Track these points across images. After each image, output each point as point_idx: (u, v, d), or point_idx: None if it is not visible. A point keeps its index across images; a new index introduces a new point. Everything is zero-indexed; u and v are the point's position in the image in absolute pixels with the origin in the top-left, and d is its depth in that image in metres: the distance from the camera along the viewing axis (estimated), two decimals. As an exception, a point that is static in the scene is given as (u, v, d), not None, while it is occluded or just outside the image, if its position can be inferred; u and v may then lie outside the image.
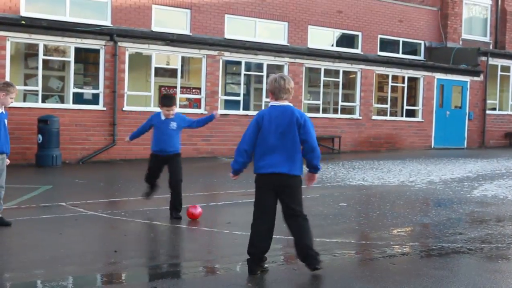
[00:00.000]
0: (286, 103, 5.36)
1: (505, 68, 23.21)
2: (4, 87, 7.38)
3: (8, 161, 7.60)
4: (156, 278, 5.42)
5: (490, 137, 22.78)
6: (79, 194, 10.06)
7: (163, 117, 8.21)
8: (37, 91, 15.03)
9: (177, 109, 8.62)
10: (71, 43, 15.27)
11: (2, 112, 7.44)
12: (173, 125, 8.18)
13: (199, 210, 7.84)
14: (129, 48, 15.99)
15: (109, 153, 15.56)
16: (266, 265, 5.40)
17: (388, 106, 21.03)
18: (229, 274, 5.57)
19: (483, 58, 22.41)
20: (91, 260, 5.90)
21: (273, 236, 7.06)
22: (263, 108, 18.35)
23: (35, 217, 8.05)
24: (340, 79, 19.84)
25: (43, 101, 15.27)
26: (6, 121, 7.51)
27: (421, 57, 23.72)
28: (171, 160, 8.14)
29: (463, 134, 22.18)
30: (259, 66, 18.54)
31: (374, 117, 20.38)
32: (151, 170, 8.38)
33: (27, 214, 8.26)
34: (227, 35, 19.28)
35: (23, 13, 15.99)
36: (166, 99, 8.46)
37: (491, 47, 24.84)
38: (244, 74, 18.39)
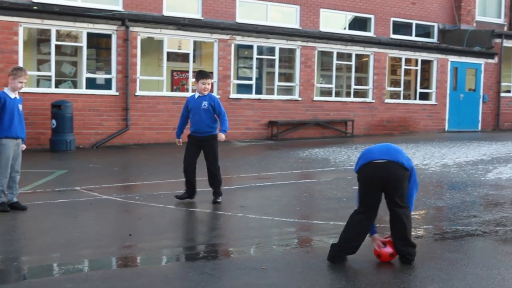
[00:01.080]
0: None
1: (519, 50, 22.96)
2: (12, 72, 7.43)
3: (24, 147, 7.67)
4: (171, 261, 5.45)
5: (504, 119, 22.59)
6: (94, 179, 10.12)
7: (196, 95, 8.19)
8: (50, 76, 15.08)
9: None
10: (83, 28, 15.28)
11: (16, 97, 7.49)
12: (205, 104, 8.10)
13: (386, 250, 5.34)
14: (141, 33, 15.97)
15: (123, 138, 15.62)
16: None
17: (401, 89, 20.89)
18: (243, 257, 5.59)
19: (497, 40, 22.16)
20: (106, 244, 5.95)
21: (287, 219, 7.11)
22: (275, 92, 18.30)
23: (50, 202, 8.12)
24: (353, 63, 19.72)
25: (56, 86, 15.31)
26: (20, 106, 7.56)
27: (434, 40, 23.49)
28: (206, 144, 8.10)
29: (477, 117, 22.01)
30: (271, 50, 18.46)
31: (387, 101, 20.26)
32: (187, 151, 8.19)
33: (43, 198, 8.33)
34: (239, 19, 19.19)
35: (35, -2, 16.01)
36: (202, 72, 8.39)
37: (505, 29, 24.55)
38: (256, 58, 18.32)
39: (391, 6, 22.46)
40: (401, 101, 20.73)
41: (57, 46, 15.36)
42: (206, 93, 8.15)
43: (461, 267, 5.13)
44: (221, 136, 8.10)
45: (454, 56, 21.50)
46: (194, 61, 17.41)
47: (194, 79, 8.41)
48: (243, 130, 17.43)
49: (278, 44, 18.19)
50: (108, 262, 5.50)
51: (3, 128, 7.33)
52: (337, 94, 20.13)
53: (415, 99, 21.22)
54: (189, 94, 16.62)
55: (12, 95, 7.44)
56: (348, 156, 13.63)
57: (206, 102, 8.09)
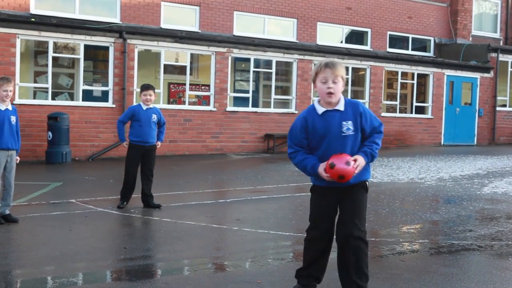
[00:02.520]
0: None
1: (515, 65, 23.07)
2: None
3: (18, 159, 7.62)
4: (166, 275, 5.43)
5: (500, 133, 22.66)
6: (89, 191, 10.10)
7: (144, 107, 8.51)
8: (47, 88, 15.09)
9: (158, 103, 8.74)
10: (80, 40, 15.31)
11: (7, 108, 7.42)
12: (154, 117, 8.56)
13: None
14: (138, 45, 16.01)
15: (119, 150, 15.57)
16: None
17: (397, 103, 20.97)
18: (238, 271, 5.57)
19: (493, 55, 22.28)
20: (101, 257, 5.92)
21: (283, 233, 7.09)
22: (272, 105, 18.33)
23: (45, 214, 8.09)
24: (349, 76, 19.77)
25: (53, 98, 15.33)
26: (13, 117, 7.44)
27: (430, 54, 23.62)
28: (149, 153, 8.61)
29: (473, 131, 22.08)
30: (268, 63, 18.52)
31: (383, 114, 20.31)
32: (133, 160, 8.59)
33: (37, 211, 8.30)
34: (236, 32, 19.27)
35: (33, 10, 16.07)
36: (145, 85, 8.77)
37: (501, 43, 24.71)
38: (253, 71, 18.38)
39: (388, 20, 22.60)
40: (397, 114, 20.79)
41: (54, 58, 15.40)
42: (149, 104, 8.54)
43: (457, 282, 5.12)
44: (159, 144, 8.83)
45: (450, 70, 21.60)
46: (191, 74, 17.46)
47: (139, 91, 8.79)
48: (239, 143, 17.44)
49: (275, 57, 18.25)
50: (103, 275, 5.47)
51: None
52: (334, 107, 20.14)
53: (411, 112, 21.29)
54: (185, 106, 16.70)
55: (3, 106, 7.36)
56: (344, 169, 13.60)
57: (155, 115, 8.58)
